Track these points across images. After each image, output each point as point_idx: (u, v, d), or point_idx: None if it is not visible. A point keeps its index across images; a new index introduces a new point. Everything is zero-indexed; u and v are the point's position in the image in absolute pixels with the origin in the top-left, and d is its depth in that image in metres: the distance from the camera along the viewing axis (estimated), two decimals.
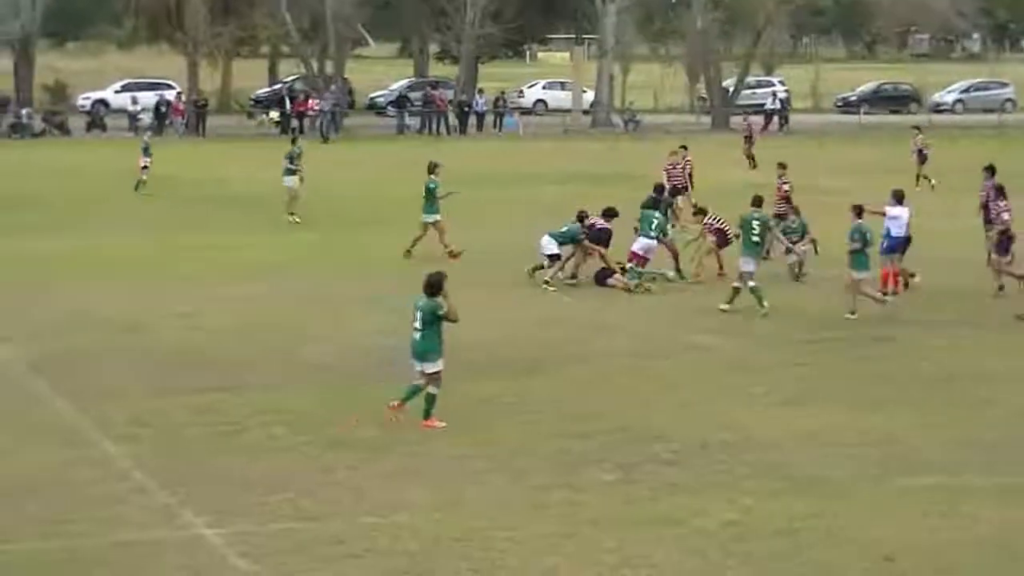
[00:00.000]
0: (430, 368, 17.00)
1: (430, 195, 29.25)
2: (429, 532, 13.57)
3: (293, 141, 37.97)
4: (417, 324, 16.98)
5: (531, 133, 65.59)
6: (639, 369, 20.37)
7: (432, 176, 29.44)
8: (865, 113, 73.86)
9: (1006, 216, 25.39)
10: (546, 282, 26.13)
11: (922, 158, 43.03)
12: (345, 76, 72.63)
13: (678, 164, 35.77)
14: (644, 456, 16.00)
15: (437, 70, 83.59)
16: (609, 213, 27.17)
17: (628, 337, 22.45)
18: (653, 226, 26.38)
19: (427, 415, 17.07)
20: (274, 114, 66.29)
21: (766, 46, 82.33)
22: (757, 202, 24.50)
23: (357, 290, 25.80)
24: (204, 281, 26.71)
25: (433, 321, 16.88)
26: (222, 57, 76.28)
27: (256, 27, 74.74)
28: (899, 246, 24.91)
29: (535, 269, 26.73)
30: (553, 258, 26.48)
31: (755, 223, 23.97)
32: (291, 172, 35.19)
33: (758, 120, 63.05)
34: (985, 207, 27.25)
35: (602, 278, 26.47)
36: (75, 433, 16.89)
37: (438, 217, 29.34)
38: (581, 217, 26.78)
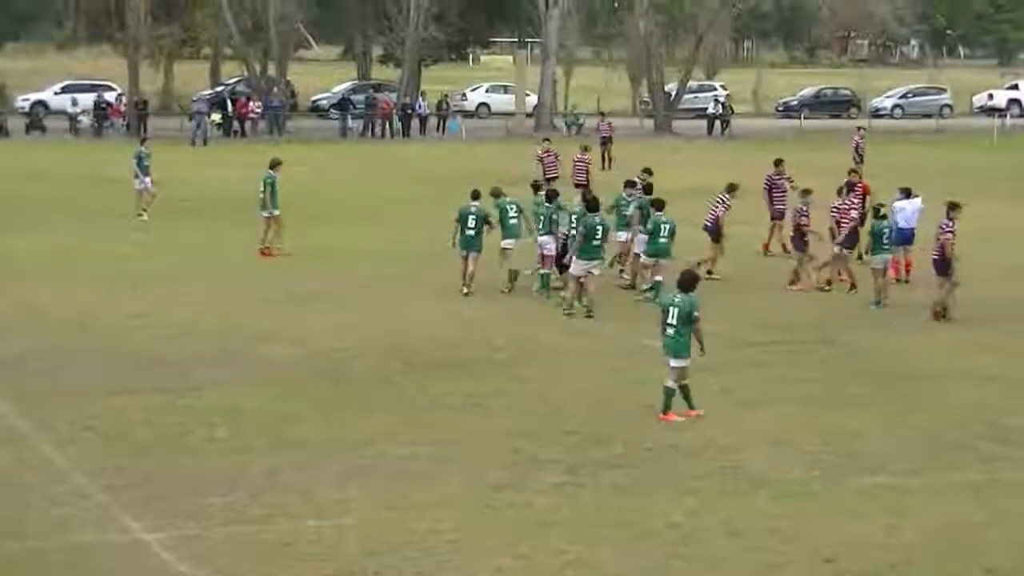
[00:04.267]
0: (677, 363, 17.30)
1: (271, 190, 29.71)
2: (376, 534, 13.48)
3: (142, 142, 38.09)
4: (672, 320, 17.24)
5: (474, 136, 65.57)
6: (592, 369, 20.37)
7: (271, 171, 29.98)
8: (805, 118, 74.34)
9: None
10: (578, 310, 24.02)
11: (859, 155, 44.15)
12: (288, 78, 72.30)
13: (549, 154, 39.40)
14: (594, 457, 15.99)
15: (380, 73, 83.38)
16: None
17: (582, 337, 22.43)
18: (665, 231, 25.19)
19: (666, 409, 17.34)
20: (216, 116, 65.83)
21: (708, 50, 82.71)
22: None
23: (307, 288, 25.71)
24: (155, 280, 26.52)
25: (689, 321, 17.14)
26: (163, 58, 75.70)
27: (198, 28, 74.24)
28: (908, 238, 26.81)
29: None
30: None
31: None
32: (144, 172, 35.51)
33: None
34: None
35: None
36: (16, 435, 16.66)
37: (277, 212, 29.81)
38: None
